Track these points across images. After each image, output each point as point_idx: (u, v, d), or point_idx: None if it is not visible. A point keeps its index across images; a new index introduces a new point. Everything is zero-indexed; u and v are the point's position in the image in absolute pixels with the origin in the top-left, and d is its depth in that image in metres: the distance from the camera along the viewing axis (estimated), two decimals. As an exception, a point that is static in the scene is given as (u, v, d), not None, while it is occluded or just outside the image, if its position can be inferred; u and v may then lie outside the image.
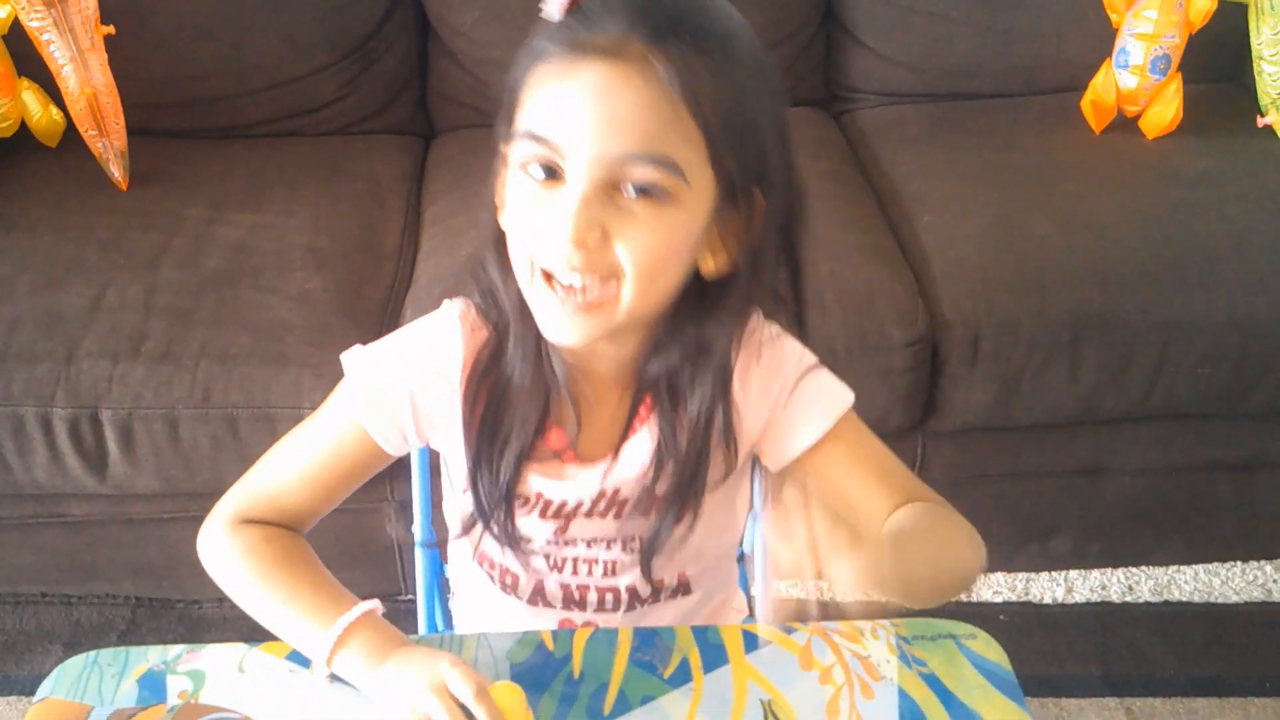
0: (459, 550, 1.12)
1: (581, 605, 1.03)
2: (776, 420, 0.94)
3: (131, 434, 1.56)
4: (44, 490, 1.65)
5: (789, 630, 0.95)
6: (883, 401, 1.65)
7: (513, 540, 0.97)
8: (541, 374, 0.91)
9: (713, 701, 0.88)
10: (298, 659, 0.92)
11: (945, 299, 1.70)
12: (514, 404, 0.92)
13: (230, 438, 1.57)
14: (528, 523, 0.97)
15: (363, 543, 1.76)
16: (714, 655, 0.92)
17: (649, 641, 0.94)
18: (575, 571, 1.01)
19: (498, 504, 0.94)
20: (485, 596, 1.08)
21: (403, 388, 0.94)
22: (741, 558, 1.29)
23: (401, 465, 1.53)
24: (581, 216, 0.77)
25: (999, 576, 1.95)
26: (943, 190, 1.92)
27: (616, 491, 0.96)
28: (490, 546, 1.01)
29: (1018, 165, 1.96)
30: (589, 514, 0.97)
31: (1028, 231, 1.79)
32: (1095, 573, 1.95)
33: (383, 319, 1.68)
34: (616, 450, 0.95)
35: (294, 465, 0.98)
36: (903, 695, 0.89)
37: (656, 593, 1.04)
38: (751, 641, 0.94)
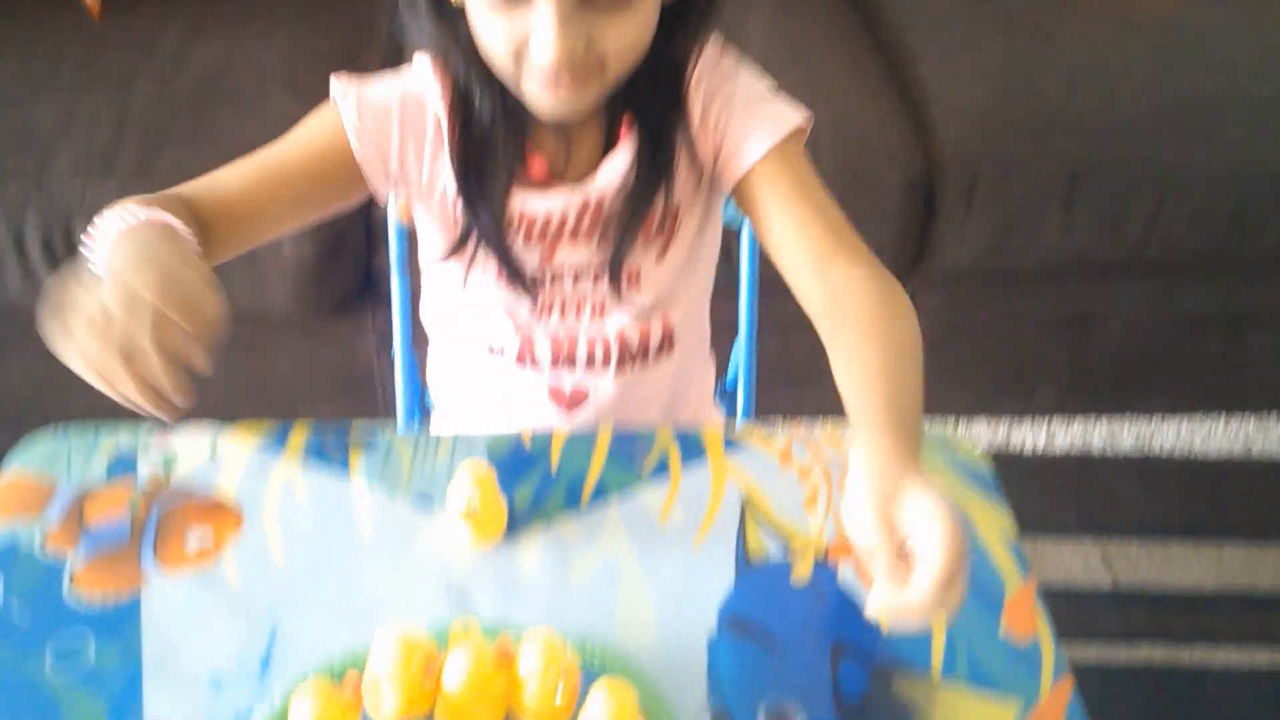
0: (440, 347, 1.11)
1: (570, 362, 1.03)
2: (732, 132, 0.93)
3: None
4: (19, 310, 1.61)
5: (769, 432, 0.94)
6: (875, 244, 1.60)
7: (507, 256, 0.96)
8: (516, 113, 0.90)
9: (690, 495, 0.88)
10: (269, 445, 0.91)
11: (943, 142, 1.66)
12: (495, 135, 0.92)
13: (206, 257, 1.53)
14: (515, 249, 0.97)
15: (343, 371, 1.75)
16: (693, 452, 0.92)
17: (628, 441, 0.93)
18: (564, 315, 1.01)
19: (489, 229, 0.94)
20: (468, 390, 1.08)
21: (393, 109, 0.93)
22: (726, 392, 1.29)
23: (382, 292, 1.52)
24: (562, 36, 0.79)
25: (981, 424, 1.95)
26: (945, 35, 1.88)
27: (600, 203, 0.95)
28: (477, 303, 1.01)
29: (1023, 12, 1.92)
30: (574, 234, 0.97)
31: (1030, 77, 1.76)
32: (1078, 423, 1.96)
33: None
34: (597, 168, 0.95)
35: (254, 159, 0.91)
36: (883, 492, 0.88)
37: (644, 348, 1.04)
38: (732, 442, 0.93)
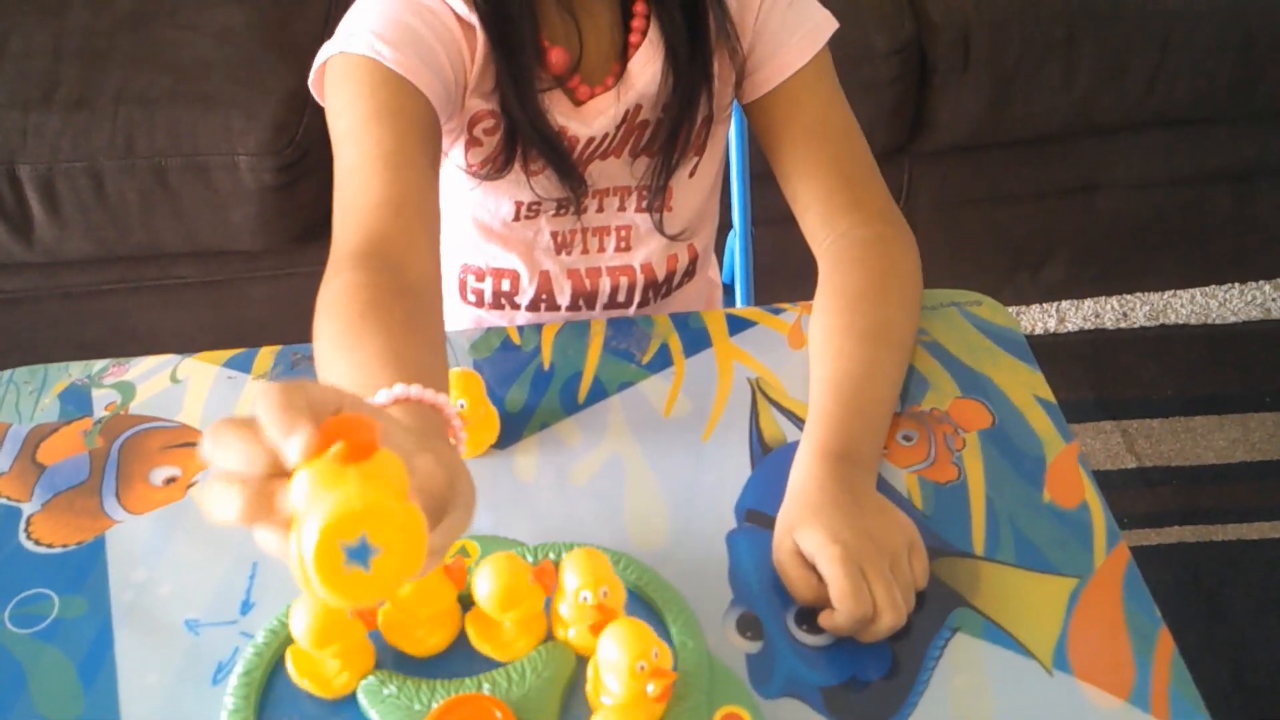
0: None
1: (591, 302, 0.96)
2: (767, 36, 0.86)
3: (54, 190, 1.44)
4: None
5: (776, 310, 0.87)
6: (867, 119, 1.50)
7: (557, 153, 0.85)
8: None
9: (696, 384, 0.81)
10: (236, 364, 0.83)
11: (932, 0, 1.57)
12: (510, 23, 0.79)
13: (160, 190, 1.45)
14: (548, 177, 0.87)
15: (313, 305, 1.67)
16: (696, 339, 0.84)
17: (625, 330, 0.86)
18: (586, 250, 0.94)
19: (529, 124, 0.82)
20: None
21: (411, 22, 0.78)
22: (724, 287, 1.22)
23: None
24: None
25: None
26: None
27: (637, 111, 0.87)
28: (489, 247, 0.92)
29: None
30: (606, 152, 0.88)
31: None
32: (1088, 301, 1.89)
33: (314, 55, 1.53)
34: (624, 64, 0.86)
35: (362, 173, 0.73)
36: (904, 365, 0.81)
37: (670, 277, 0.97)
38: (736, 324, 0.86)
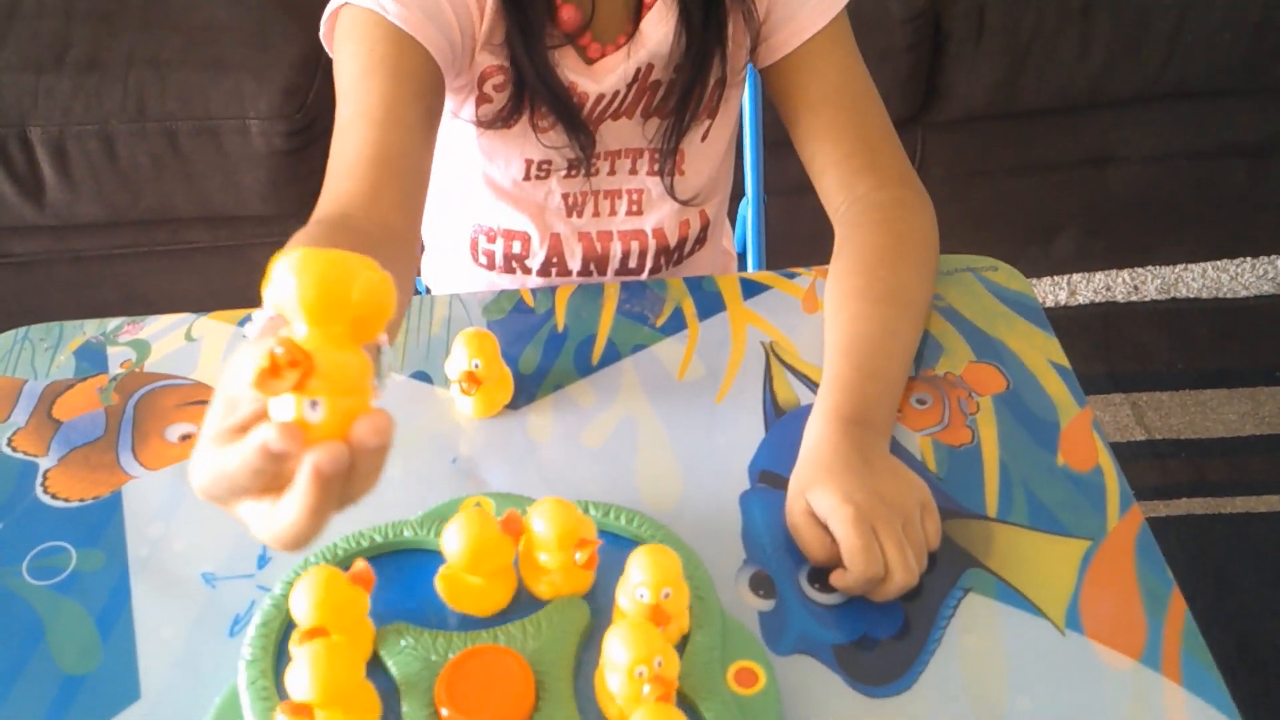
0: (443, 258, 1.03)
1: (602, 266, 0.96)
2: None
3: (65, 153, 1.44)
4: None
5: (791, 275, 0.87)
6: (881, 87, 1.51)
7: (566, 107, 0.84)
8: None
9: (710, 347, 0.81)
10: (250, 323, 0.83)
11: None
12: None
13: (171, 154, 1.45)
14: (557, 133, 0.87)
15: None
16: (710, 303, 0.84)
17: (638, 294, 0.85)
18: (597, 212, 0.94)
19: (538, 77, 0.82)
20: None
21: None
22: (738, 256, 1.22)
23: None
24: None
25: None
26: None
27: (649, 71, 0.87)
28: (498, 207, 0.92)
29: None
30: (618, 111, 0.88)
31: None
32: (1099, 274, 1.88)
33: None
34: (636, 24, 0.86)
35: (360, 123, 0.74)
36: (918, 329, 0.81)
37: (681, 243, 0.97)
38: (750, 288, 0.86)
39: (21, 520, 0.70)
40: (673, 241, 0.96)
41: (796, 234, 1.40)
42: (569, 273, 0.96)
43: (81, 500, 0.71)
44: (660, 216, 0.95)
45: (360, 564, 0.58)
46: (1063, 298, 1.85)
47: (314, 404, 0.41)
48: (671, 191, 0.93)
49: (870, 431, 0.69)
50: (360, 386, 0.42)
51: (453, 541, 0.59)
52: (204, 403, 0.78)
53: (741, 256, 1.22)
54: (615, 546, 0.63)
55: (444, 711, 0.54)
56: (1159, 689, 0.58)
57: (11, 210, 1.49)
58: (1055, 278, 1.88)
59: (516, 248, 0.95)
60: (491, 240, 0.95)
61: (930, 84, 1.59)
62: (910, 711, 0.58)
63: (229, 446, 0.43)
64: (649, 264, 0.97)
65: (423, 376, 0.79)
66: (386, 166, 0.73)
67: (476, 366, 0.73)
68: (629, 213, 0.94)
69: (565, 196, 0.92)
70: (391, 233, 0.71)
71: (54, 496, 0.72)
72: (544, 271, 0.96)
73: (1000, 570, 0.65)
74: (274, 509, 0.43)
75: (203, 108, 1.43)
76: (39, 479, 0.73)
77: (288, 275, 0.41)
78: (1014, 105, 1.62)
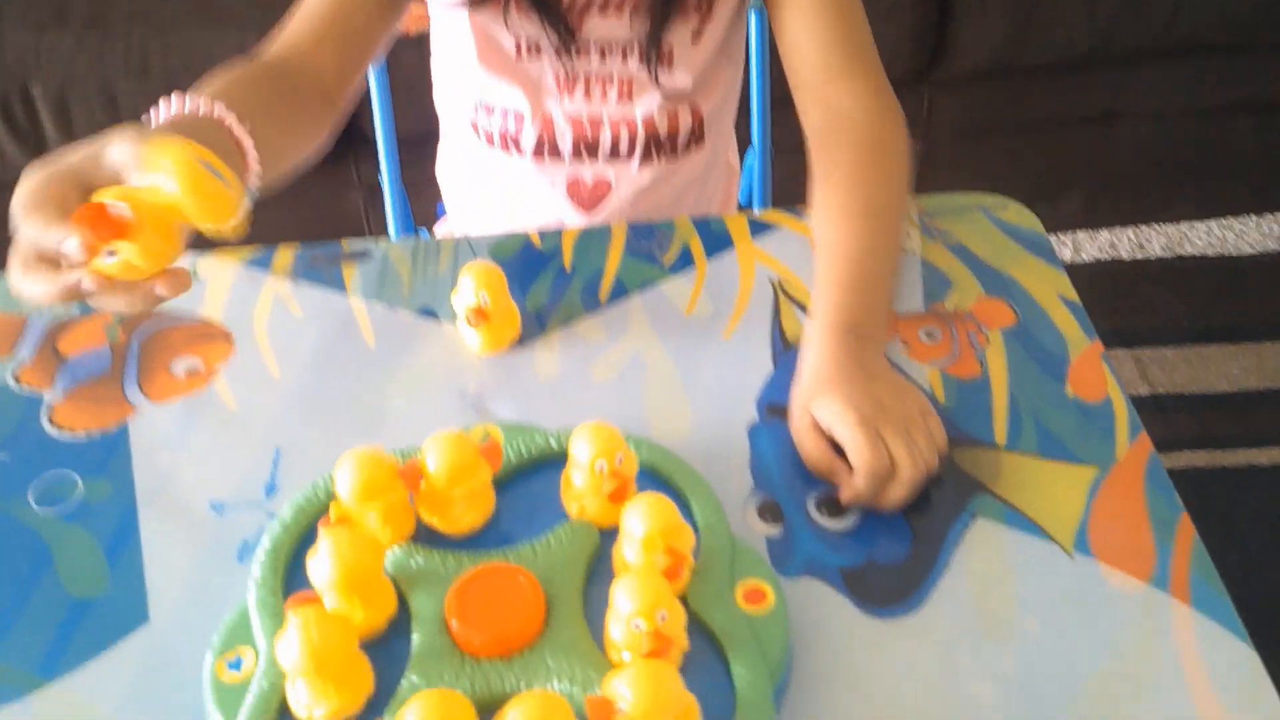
0: (451, 142, 1.04)
1: (594, 152, 0.96)
2: None
3: (68, 111, 1.43)
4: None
5: (798, 213, 0.86)
6: (889, 44, 1.49)
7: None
8: None
9: (718, 284, 0.81)
10: (255, 263, 0.83)
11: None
12: None
13: (176, 110, 1.44)
14: (532, 22, 0.90)
15: (328, 231, 1.67)
16: (718, 241, 0.84)
17: (646, 233, 0.85)
18: (589, 95, 0.94)
19: None
20: (480, 184, 1.02)
21: None
22: (740, 207, 1.21)
23: (363, 137, 1.42)
24: None
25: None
26: None
27: None
28: (495, 84, 0.93)
29: None
30: (604, 6, 0.89)
31: None
32: (1104, 232, 1.88)
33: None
34: None
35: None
36: (926, 265, 0.81)
37: (674, 137, 0.96)
38: (758, 228, 0.85)
39: (27, 451, 0.70)
40: (663, 132, 0.96)
41: (803, 192, 1.39)
42: (560, 155, 0.96)
43: (88, 431, 0.71)
44: (650, 105, 0.95)
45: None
46: (1068, 255, 1.85)
47: (111, 252, 0.53)
48: (656, 78, 0.93)
49: (866, 342, 0.70)
50: (163, 254, 0.54)
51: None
52: (210, 338, 0.78)
53: (748, 208, 1.21)
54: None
55: (454, 624, 0.54)
56: (1167, 609, 0.59)
57: (14, 167, 1.49)
58: (1061, 235, 1.87)
59: (511, 127, 0.96)
60: (489, 114, 0.96)
61: (937, 40, 1.57)
62: (917, 631, 0.58)
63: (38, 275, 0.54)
64: (638, 151, 0.97)
65: (429, 312, 0.79)
66: (332, 26, 0.82)
67: (485, 302, 0.73)
68: (619, 99, 0.94)
69: (557, 76, 0.93)
70: (320, 86, 0.81)
71: (60, 428, 0.72)
72: (537, 153, 0.96)
73: (1008, 496, 0.65)
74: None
75: (206, 64, 1.39)
76: (44, 411, 0.73)
77: (164, 166, 0.54)
78: (1021, 60, 1.60)
